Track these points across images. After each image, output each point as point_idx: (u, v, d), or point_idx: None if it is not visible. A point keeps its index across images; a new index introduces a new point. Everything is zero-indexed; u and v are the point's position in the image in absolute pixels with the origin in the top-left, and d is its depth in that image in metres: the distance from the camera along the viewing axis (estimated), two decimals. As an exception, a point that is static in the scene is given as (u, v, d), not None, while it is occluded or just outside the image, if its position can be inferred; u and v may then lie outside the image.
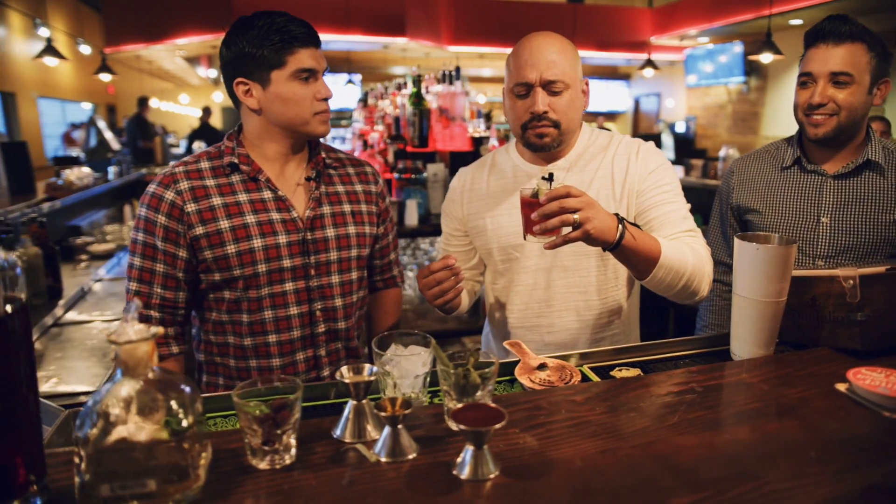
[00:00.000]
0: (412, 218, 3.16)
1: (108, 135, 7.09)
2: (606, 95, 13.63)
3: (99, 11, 11.00)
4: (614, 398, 1.03)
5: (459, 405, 0.89)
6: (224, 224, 1.40)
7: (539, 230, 1.17)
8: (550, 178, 1.48)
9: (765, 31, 6.78)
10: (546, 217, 1.15)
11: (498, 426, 0.78)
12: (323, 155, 1.54)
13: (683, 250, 1.36)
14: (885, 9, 7.17)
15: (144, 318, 1.42)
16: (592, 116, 13.65)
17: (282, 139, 1.45)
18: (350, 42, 9.20)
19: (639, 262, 1.30)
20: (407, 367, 1.05)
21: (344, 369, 0.93)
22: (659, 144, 8.11)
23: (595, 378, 1.21)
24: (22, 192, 4.15)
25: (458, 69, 3.42)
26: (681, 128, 11.31)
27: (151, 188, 1.42)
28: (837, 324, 1.23)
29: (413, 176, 3.24)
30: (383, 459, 0.85)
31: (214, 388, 1.53)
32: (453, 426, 0.88)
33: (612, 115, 13.99)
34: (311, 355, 1.51)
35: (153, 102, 12.83)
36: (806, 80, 1.62)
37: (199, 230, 1.39)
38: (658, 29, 10.38)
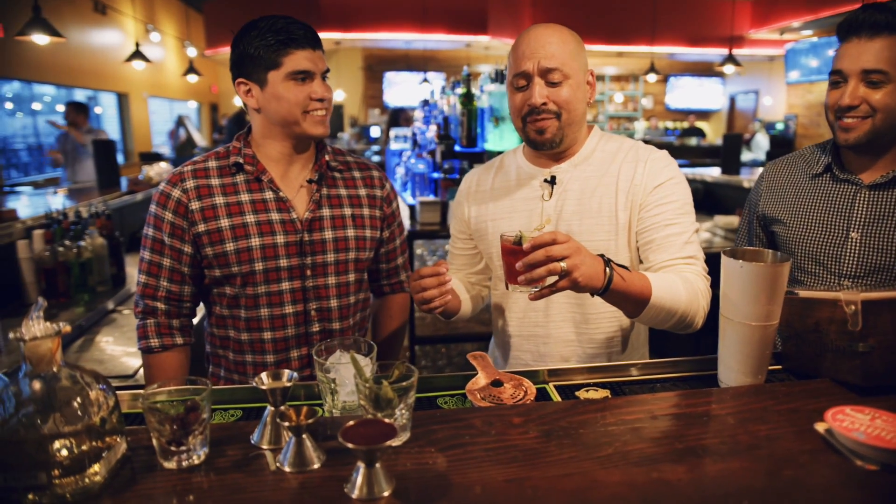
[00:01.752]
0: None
1: (196, 134, 7.55)
2: (699, 93, 12.98)
3: (203, 14, 11.73)
4: (555, 422, 0.96)
5: (361, 419, 0.86)
6: (224, 222, 1.44)
7: (524, 280, 1.09)
8: (552, 181, 1.44)
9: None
10: (531, 267, 1.08)
11: (385, 445, 0.75)
12: (327, 158, 1.56)
13: (676, 285, 1.27)
14: None
15: (151, 310, 1.49)
16: (683, 115, 13.03)
17: (283, 139, 1.48)
18: (431, 41, 9.29)
19: (628, 303, 1.24)
20: (346, 375, 1.04)
21: (263, 375, 0.92)
22: (739, 148, 7.61)
23: (556, 397, 1.15)
24: (108, 185, 4.51)
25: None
26: (779, 127, 10.57)
27: (162, 186, 1.49)
28: (839, 354, 1.10)
29: (459, 176, 3.21)
30: (286, 469, 0.84)
31: (217, 379, 1.59)
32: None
33: (705, 114, 13.30)
34: (305, 353, 1.53)
35: (250, 101, 13.54)
36: (837, 78, 1.44)
37: (202, 227, 1.44)
38: (756, 22, 9.75)
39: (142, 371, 2.05)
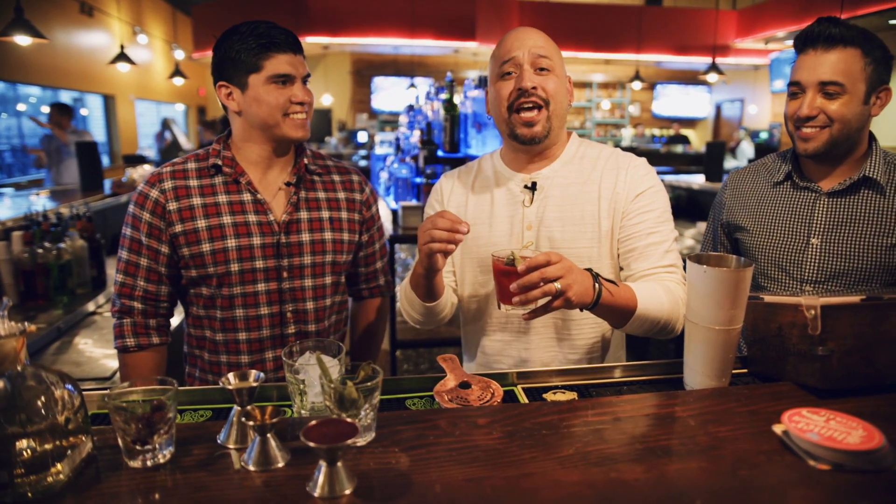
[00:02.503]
0: (435, 223, 3.15)
1: (181, 137, 7.53)
2: (685, 101, 13.10)
3: (191, 17, 11.70)
4: (518, 423, 0.97)
5: (333, 417, 0.87)
6: (201, 223, 1.46)
7: (518, 302, 1.10)
8: (533, 187, 1.43)
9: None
10: (526, 288, 1.09)
11: (346, 444, 0.76)
12: (306, 161, 1.57)
13: (659, 295, 1.29)
14: None
15: (127, 309, 1.50)
16: (670, 122, 13.15)
17: (262, 142, 1.50)
18: (419, 46, 9.32)
19: (614, 315, 1.26)
20: (314, 376, 1.04)
21: (230, 375, 0.93)
22: (721, 156, 7.69)
23: (523, 399, 1.16)
24: (91, 188, 4.48)
25: (491, 74, 3.38)
26: (764, 136, 10.69)
27: (140, 187, 1.51)
28: (801, 357, 1.12)
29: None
30: (250, 467, 0.84)
31: (193, 380, 1.60)
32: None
33: (691, 122, 13.43)
34: (280, 355, 1.53)
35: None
36: (795, 90, 1.48)
37: (178, 228, 1.46)
38: (741, 32, 9.87)
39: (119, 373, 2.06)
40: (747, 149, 9.99)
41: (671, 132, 12.52)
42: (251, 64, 1.42)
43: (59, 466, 0.80)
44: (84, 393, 1.13)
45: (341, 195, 1.61)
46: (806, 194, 1.55)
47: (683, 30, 10.26)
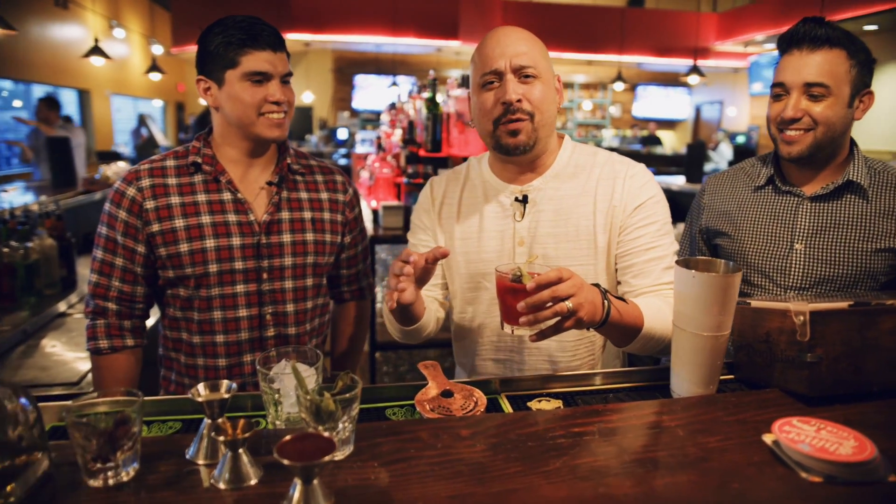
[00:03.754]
0: (417, 223, 3.11)
1: (158, 133, 7.39)
2: (665, 102, 13.20)
3: (170, 11, 11.51)
4: (503, 434, 0.94)
5: (309, 431, 0.83)
6: (179, 223, 1.42)
7: (526, 322, 1.02)
8: (524, 200, 1.36)
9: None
10: (535, 307, 1.01)
11: (323, 461, 0.72)
12: (289, 161, 1.53)
13: (665, 313, 1.24)
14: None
15: (101, 310, 1.45)
16: (645, 123, 13.25)
17: (240, 140, 1.46)
18: (401, 45, 9.26)
19: (620, 334, 1.21)
20: (290, 386, 1.00)
21: (200, 386, 0.88)
22: (703, 157, 7.72)
23: (508, 408, 1.13)
24: (65, 184, 4.37)
25: (474, 73, 3.35)
26: (740, 140, 10.81)
27: (117, 184, 1.46)
28: (788, 364, 1.10)
29: (422, 181, 3.19)
30: (220, 485, 0.80)
31: (168, 383, 1.55)
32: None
33: (671, 123, 13.54)
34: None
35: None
36: (779, 91, 1.45)
37: (156, 227, 1.41)
38: (721, 34, 9.97)
39: (88, 377, 1.98)
40: (726, 150, 10.09)
41: (644, 132, 12.60)
42: (228, 59, 1.38)
43: (10, 487, 0.74)
44: (45, 405, 1.09)
45: (324, 195, 1.57)
46: (789, 199, 1.53)
47: (664, 32, 10.32)
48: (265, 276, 1.46)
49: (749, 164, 1.65)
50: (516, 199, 1.37)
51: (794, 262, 1.50)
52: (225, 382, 0.89)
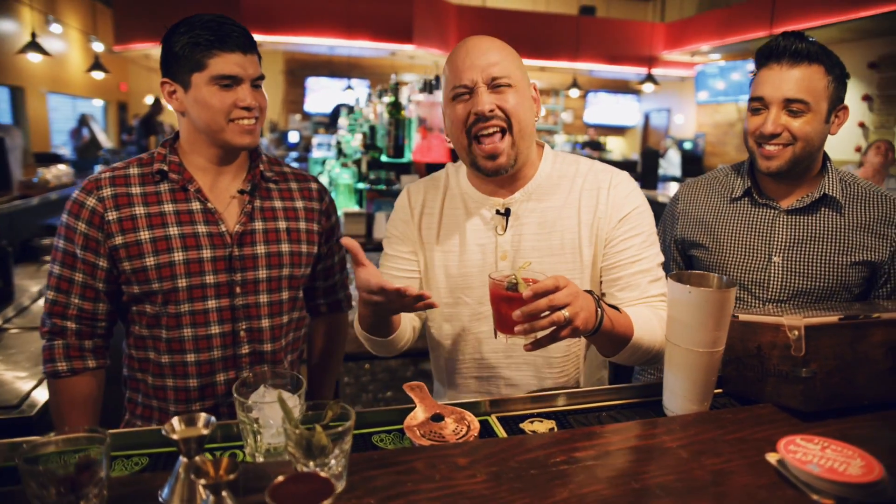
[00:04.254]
0: (381, 230, 3.03)
1: (101, 134, 7.05)
2: (616, 109, 13.48)
3: (111, 8, 11.05)
4: (503, 462, 0.89)
5: (303, 471, 0.76)
6: (144, 235, 1.31)
7: (522, 331, 0.98)
8: (506, 213, 1.31)
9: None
10: (531, 316, 0.98)
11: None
12: (262, 168, 1.44)
13: (653, 325, 1.22)
14: (894, 32, 6.99)
15: (59, 330, 1.34)
16: (596, 130, 13.50)
17: (208, 147, 1.37)
18: (355, 47, 9.14)
19: (611, 343, 1.18)
20: (270, 415, 0.92)
21: (175, 420, 0.80)
22: (657, 163, 7.92)
23: (500, 430, 1.07)
24: (0, 188, 4.09)
25: (437, 78, 3.30)
26: (688, 146, 11.13)
27: (75, 194, 1.35)
28: (782, 378, 1.09)
29: (385, 187, 3.12)
30: (200, 533, 0.72)
31: (134, 406, 1.44)
32: None
33: (621, 130, 13.84)
34: (233, 377, 1.40)
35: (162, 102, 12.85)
36: (758, 105, 1.45)
37: (119, 240, 1.31)
38: (669, 44, 10.24)
39: (31, 399, 1.83)
40: (674, 157, 10.35)
41: (585, 138, 12.82)
42: (194, 61, 1.28)
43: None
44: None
45: (299, 204, 1.48)
46: (765, 211, 1.53)
47: (617, 40, 10.54)
48: (238, 290, 1.37)
49: (722, 173, 1.65)
50: (498, 213, 1.32)
51: (772, 274, 1.50)
52: (203, 416, 0.80)
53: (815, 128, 1.40)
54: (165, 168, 1.35)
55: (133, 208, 1.32)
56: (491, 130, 1.23)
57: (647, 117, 13.47)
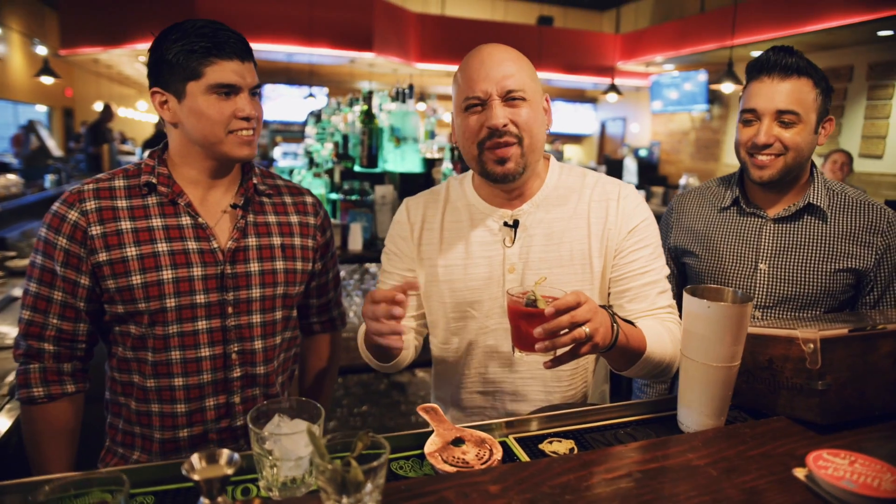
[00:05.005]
0: (356, 243, 2.97)
1: (50, 141, 6.74)
2: (573, 118, 13.70)
3: (57, 11, 10.61)
4: (536, 488, 0.86)
5: (335, 509, 0.71)
6: (131, 251, 1.24)
7: (543, 348, 0.97)
8: (515, 225, 1.29)
9: (727, 61, 6.84)
10: (552, 333, 0.96)
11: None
12: (255, 181, 1.38)
13: (664, 338, 1.21)
14: (846, 44, 7.32)
15: (35, 352, 1.25)
16: (561, 138, 13.71)
17: (202, 159, 1.30)
18: (314, 55, 9.03)
19: (624, 357, 1.16)
20: (288, 447, 0.87)
21: (194, 458, 0.74)
22: (622, 168, 8.10)
23: (521, 453, 1.04)
24: (-59, 200, 3.86)
25: (411, 87, 3.27)
26: (643, 154, 11.40)
27: (55, 206, 1.26)
28: (795, 391, 1.09)
29: (359, 198, 3.06)
30: (231, 583, 0.66)
31: (115, 432, 1.35)
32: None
33: (578, 138, 14.08)
34: (224, 402, 1.33)
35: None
36: (749, 117, 1.49)
37: (103, 256, 1.23)
38: (625, 55, 10.47)
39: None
40: (630, 165, 10.58)
41: (549, 148, 13.03)
42: (190, 69, 1.22)
43: None
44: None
45: (294, 219, 1.42)
46: (752, 220, 1.57)
47: (575, 50, 10.71)
48: (230, 310, 1.30)
49: (715, 184, 1.69)
50: (506, 224, 1.30)
51: (758, 281, 1.54)
52: (225, 452, 0.75)
53: (805, 138, 1.45)
54: (154, 180, 1.28)
55: (119, 223, 1.24)
56: (504, 142, 1.21)
57: (603, 126, 13.74)
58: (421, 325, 1.44)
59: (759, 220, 1.56)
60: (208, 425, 1.31)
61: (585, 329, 0.97)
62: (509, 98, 1.20)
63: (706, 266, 1.61)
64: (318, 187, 3.28)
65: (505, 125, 1.20)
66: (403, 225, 1.41)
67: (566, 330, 0.97)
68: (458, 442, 1.02)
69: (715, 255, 1.59)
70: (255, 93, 1.29)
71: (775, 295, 1.52)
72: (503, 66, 1.21)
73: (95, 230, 1.23)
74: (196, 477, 0.72)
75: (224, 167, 1.32)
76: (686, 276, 1.72)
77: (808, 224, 1.52)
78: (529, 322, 0.98)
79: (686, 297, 1.08)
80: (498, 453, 0.99)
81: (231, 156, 1.27)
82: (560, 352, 1.01)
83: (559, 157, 12.42)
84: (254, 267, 1.33)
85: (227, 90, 1.23)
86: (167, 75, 1.24)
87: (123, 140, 12.63)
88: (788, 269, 1.51)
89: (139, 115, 15.82)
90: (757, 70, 1.48)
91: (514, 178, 1.24)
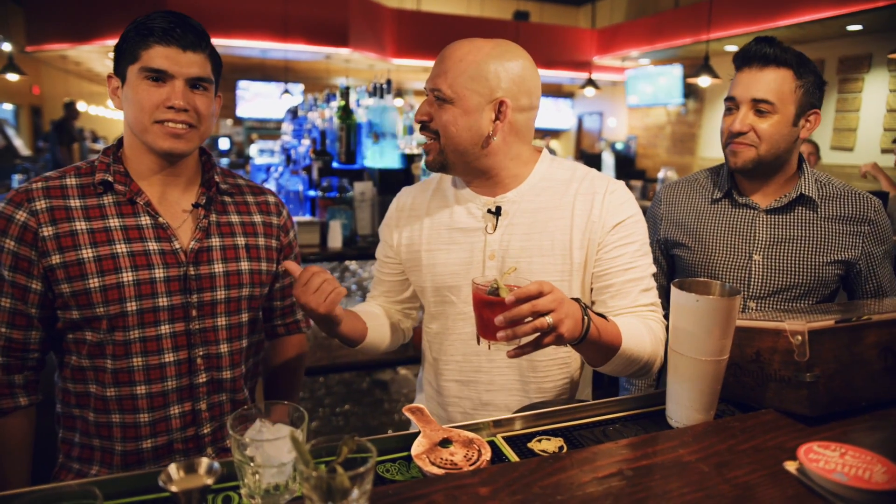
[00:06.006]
0: (336, 240, 2.93)
1: (17, 141, 6.56)
2: (552, 112, 13.73)
3: (22, 6, 10.33)
4: (527, 489, 0.84)
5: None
6: (87, 253, 1.18)
7: (504, 337, 0.96)
8: (497, 212, 1.29)
9: (703, 56, 6.90)
10: (514, 322, 0.96)
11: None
12: (218, 179, 1.34)
13: (643, 335, 1.20)
14: (817, 39, 7.43)
15: None
16: (539, 134, 13.73)
17: (144, 153, 1.26)
18: (290, 51, 8.92)
19: (598, 352, 1.15)
20: (270, 454, 0.84)
21: (172, 467, 0.71)
22: (600, 163, 8.12)
23: (510, 452, 1.02)
24: None
25: (388, 82, 3.23)
26: (619, 147, 11.47)
27: (0, 206, 1.19)
28: (784, 384, 1.09)
29: (338, 195, 3.02)
30: None
31: (69, 447, 1.29)
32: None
33: (556, 133, 14.11)
34: (189, 409, 1.29)
35: (81, 106, 12.12)
36: (730, 105, 1.51)
37: (56, 259, 1.17)
38: (601, 49, 10.51)
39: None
40: (608, 159, 10.63)
41: (542, 143, 13.06)
42: (131, 53, 1.20)
43: None
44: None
45: (257, 218, 1.39)
46: (745, 211, 1.57)
47: (551, 45, 10.71)
48: (194, 312, 1.27)
49: (703, 175, 1.69)
50: (489, 211, 1.30)
51: (752, 272, 1.54)
52: (204, 461, 0.72)
53: (779, 130, 1.46)
54: (110, 178, 1.23)
55: (73, 223, 1.19)
56: (424, 134, 1.28)
57: (580, 120, 13.79)
58: (405, 308, 1.50)
59: (752, 211, 1.56)
60: (173, 434, 1.27)
61: (548, 319, 0.96)
62: (436, 96, 1.23)
63: (698, 258, 1.60)
64: (296, 184, 3.22)
65: (422, 120, 1.26)
66: (391, 212, 1.44)
67: (529, 319, 0.96)
68: (445, 443, 0.99)
69: (707, 247, 1.59)
70: (198, 85, 1.24)
71: (770, 286, 1.53)
72: (445, 62, 1.23)
73: (47, 231, 1.17)
74: (174, 488, 0.69)
75: (165, 162, 1.27)
76: (676, 268, 1.71)
77: (800, 215, 1.53)
78: (492, 310, 0.98)
79: (674, 290, 1.07)
80: (486, 454, 0.96)
81: (154, 147, 1.22)
82: (524, 341, 1.00)
83: (550, 152, 12.45)
84: (218, 268, 1.29)
85: (156, 76, 1.19)
86: (118, 60, 1.23)
87: (95, 139, 12.37)
88: (782, 259, 1.52)
89: (110, 114, 15.51)
90: (740, 60, 1.50)
91: (434, 168, 1.28)
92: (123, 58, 1.21)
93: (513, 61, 1.23)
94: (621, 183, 1.33)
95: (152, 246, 1.23)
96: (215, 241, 1.30)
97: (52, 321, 1.23)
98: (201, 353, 1.28)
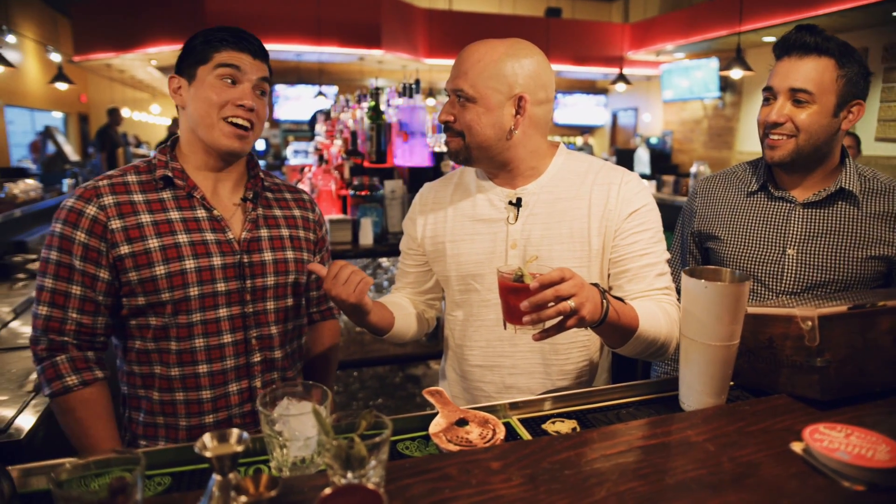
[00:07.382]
0: (367, 237, 3.01)
1: (66, 147, 6.85)
2: (584, 110, 13.63)
3: (71, 18, 10.76)
4: (536, 464, 0.88)
5: (340, 483, 0.74)
6: (153, 243, 1.29)
7: (529, 321, 1.02)
8: (518, 203, 1.36)
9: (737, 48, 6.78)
10: (538, 307, 1.01)
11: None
12: (262, 176, 1.46)
13: (658, 317, 1.24)
14: (859, 27, 7.22)
15: (59, 345, 1.29)
16: (572, 131, 13.66)
17: (202, 152, 1.36)
18: (323, 53, 9.08)
19: (616, 334, 1.19)
20: (297, 428, 0.90)
21: (206, 437, 0.77)
22: (632, 161, 8.04)
23: (524, 432, 1.07)
24: (-36, 205, 3.95)
25: (417, 82, 3.29)
26: (653, 142, 11.32)
27: (69, 202, 1.30)
28: (796, 369, 1.10)
29: (369, 193, 3.09)
30: (243, 554, 0.70)
31: (135, 425, 1.39)
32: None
33: (589, 129, 14.01)
34: (246, 387, 1.39)
35: (125, 112, 12.56)
36: (768, 95, 1.48)
37: (125, 249, 1.27)
38: (634, 44, 10.40)
39: (16, 424, 1.76)
40: (643, 155, 10.51)
41: (579, 140, 12.98)
42: (201, 54, 1.31)
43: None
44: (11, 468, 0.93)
45: (297, 212, 1.51)
46: (781, 205, 1.54)
47: (583, 41, 10.66)
48: (248, 297, 1.37)
49: (741, 168, 1.66)
50: (510, 203, 1.36)
51: (786, 266, 1.51)
52: (235, 432, 0.78)
53: (818, 120, 1.41)
54: (169, 174, 1.34)
55: (138, 216, 1.29)
56: (448, 134, 1.35)
57: (614, 116, 13.66)
58: (429, 299, 1.57)
59: (788, 204, 1.52)
60: (232, 410, 1.36)
61: (570, 303, 1.02)
62: (458, 96, 1.29)
63: (731, 251, 1.58)
64: (329, 183, 3.31)
65: (447, 121, 1.32)
66: (415, 206, 1.52)
67: (552, 304, 1.01)
68: (462, 423, 1.04)
69: (741, 240, 1.56)
70: (259, 90, 1.35)
71: (804, 281, 1.49)
72: (463, 64, 1.29)
73: (115, 224, 1.27)
74: (208, 454, 0.76)
75: (220, 162, 1.37)
76: (710, 262, 1.67)
77: (840, 209, 1.48)
78: (517, 297, 1.03)
79: (684, 277, 1.10)
80: (501, 433, 1.01)
81: (219, 145, 1.32)
82: (548, 325, 1.05)
83: (589, 150, 12.37)
84: (268, 256, 1.39)
85: (231, 72, 1.30)
86: (184, 62, 1.33)
87: (138, 143, 12.79)
88: (818, 254, 1.48)
89: (153, 119, 16.01)
90: (780, 49, 1.47)
91: (456, 160, 1.35)
92: (191, 59, 1.32)
93: (527, 58, 1.29)
94: (635, 174, 1.37)
95: (209, 236, 1.33)
96: (264, 232, 1.41)
97: (117, 308, 1.33)
98: (255, 335, 1.38)
